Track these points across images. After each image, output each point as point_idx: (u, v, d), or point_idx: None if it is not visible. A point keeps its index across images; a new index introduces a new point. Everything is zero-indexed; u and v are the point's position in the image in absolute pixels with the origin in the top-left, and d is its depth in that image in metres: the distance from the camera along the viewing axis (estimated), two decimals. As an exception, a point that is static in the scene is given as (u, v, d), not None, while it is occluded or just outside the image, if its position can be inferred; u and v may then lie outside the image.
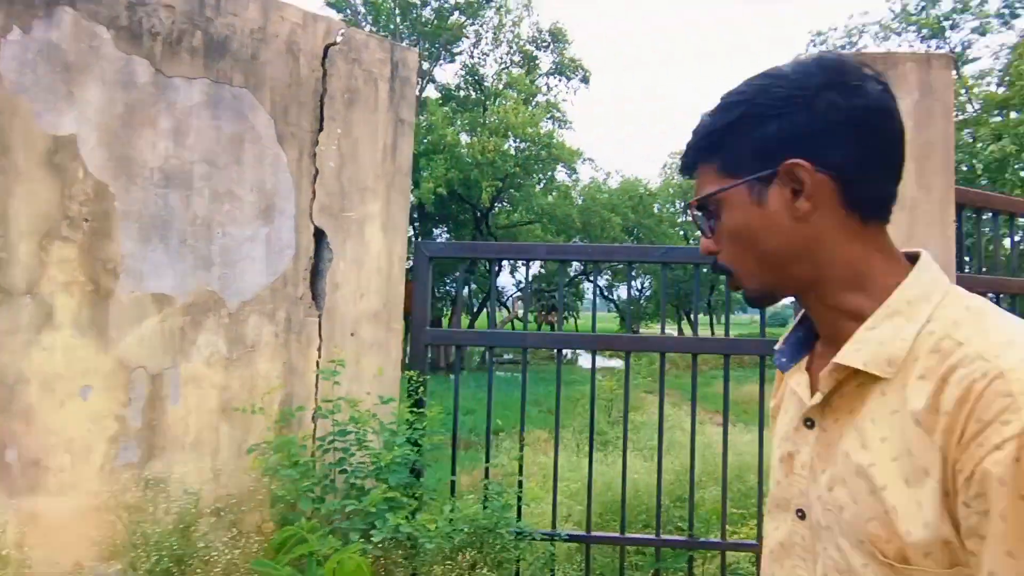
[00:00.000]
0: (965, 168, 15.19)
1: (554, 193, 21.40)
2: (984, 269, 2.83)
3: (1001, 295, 2.69)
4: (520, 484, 2.55)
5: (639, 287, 40.86)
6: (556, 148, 19.43)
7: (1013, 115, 14.93)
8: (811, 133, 0.61)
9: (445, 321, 24.39)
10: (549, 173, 20.67)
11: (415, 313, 2.46)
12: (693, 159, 0.69)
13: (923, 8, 18.79)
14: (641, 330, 51.99)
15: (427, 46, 24.10)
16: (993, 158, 13.88)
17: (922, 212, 2.29)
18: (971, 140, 15.05)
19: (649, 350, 2.47)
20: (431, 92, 25.31)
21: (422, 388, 2.39)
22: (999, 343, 0.54)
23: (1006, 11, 17.84)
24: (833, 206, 0.64)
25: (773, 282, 0.67)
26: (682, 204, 37.12)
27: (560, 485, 4.97)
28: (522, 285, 33.24)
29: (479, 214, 22.34)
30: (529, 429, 9.85)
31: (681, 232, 33.91)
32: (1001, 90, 16.13)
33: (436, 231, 25.75)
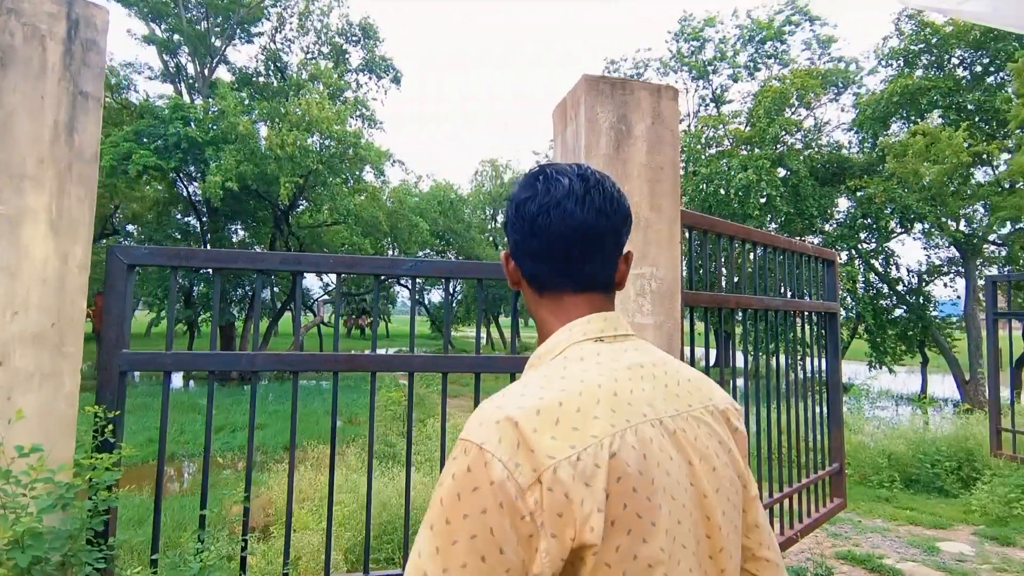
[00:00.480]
0: (722, 192, 17.80)
1: (363, 195, 20.62)
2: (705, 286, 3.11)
3: (721, 309, 3.00)
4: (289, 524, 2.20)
5: (452, 291, 41.54)
6: (364, 148, 18.73)
7: (756, 151, 17.85)
8: (513, 233, 0.86)
9: (240, 329, 22.15)
10: (357, 173, 19.85)
11: (106, 333, 1.99)
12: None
13: (693, 53, 21.76)
14: (453, 334, 52.83)
15: (219, 21, 21.76)
16: (741, 184, 16.44)
17: (654, 232, 2.44)
18: (727, 169, 17.69)
19: (396, 369, 2.29)
20: (223, 74, 22.91)
21: (110, 427, 1.93)
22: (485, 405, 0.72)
23: (751, 64, 21.40)
24: (526, 282, 0.87)
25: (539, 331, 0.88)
26: (491, 211, 38.60)
27: (337, 509, 4.64)
28: (330, 288, 31.63)
29: (279, 212, 20.73)
30: (313, 445, 9.25)
31: (490, 238, 35.05)
32: (747, 129, 19.22)
33: (231, 228, 23.33)
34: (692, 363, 2.92)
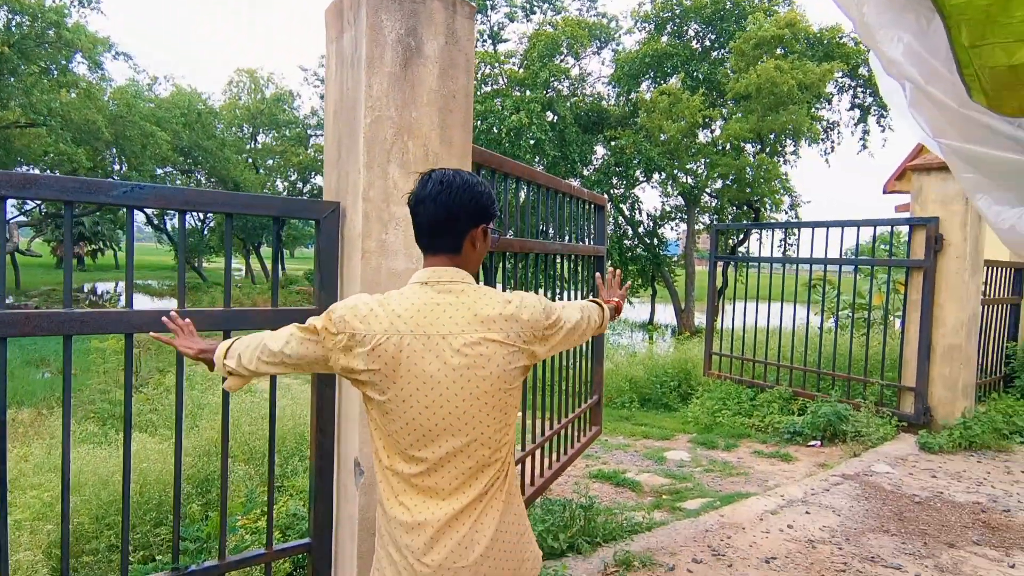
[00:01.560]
0: (495, 131, 18.17)
1: (73, 92, 16.48)
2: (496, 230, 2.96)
3: (505, 252, 2.88)
4: None
5: (202, 218, 36.33)
6: (71, 31, 14.81)
7: (528, 93, 18.46)
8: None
9: None
10: (63, 63, 15.72)
11: None
12: None
13: (472, -18, 21.35)
14: (205, 265, 46.81)
15: None
16: (514, 125, 16.95)
17: (444, 167, 2.16)
18: (500, 108, 18.04)
19: (102, 332, 1.71)
20: None
21: None
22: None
23: (528, 5, 21.82)
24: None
25: None
26: (249, 128, 34.27)
27: (37, 494, 3.65)
28: (29, 208, 25.26)
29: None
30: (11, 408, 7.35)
31: (248, 159, 31.33)
32: (521, 71, 19.74)
33: None
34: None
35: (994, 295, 6.14)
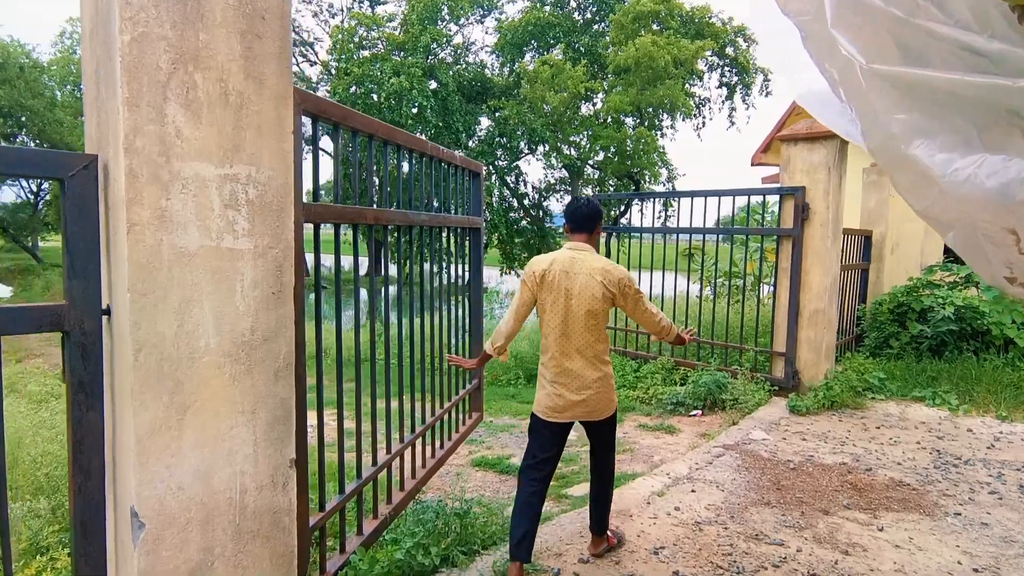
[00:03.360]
0: (374, 97, 17.11)
1: None
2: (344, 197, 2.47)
3: (358, 224, 2.40)
4: None
5: (34, 190, 31.43)
6: None
7: (409, 58, 17.53)
8: (565, 215, 2.73)
9: None
10: None
11: None
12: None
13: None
14: (42, 244, 40.72)
15: None
16: (393, 90, 16.02)
17: (251, 114, 1.64)
18: (379, 73, 16.97)
19: None
20: None
21: None
22: None
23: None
24: (568, 229, 2.71)
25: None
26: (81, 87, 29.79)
27: None
28: None
29: None
30: None
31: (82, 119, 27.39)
32: (401, 34, 18.70)
33: None
34: (338, 282, 2.51)
35: (848, 261, 6.52)
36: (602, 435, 2.65)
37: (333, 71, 18.43)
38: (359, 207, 2.35)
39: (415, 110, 16.34)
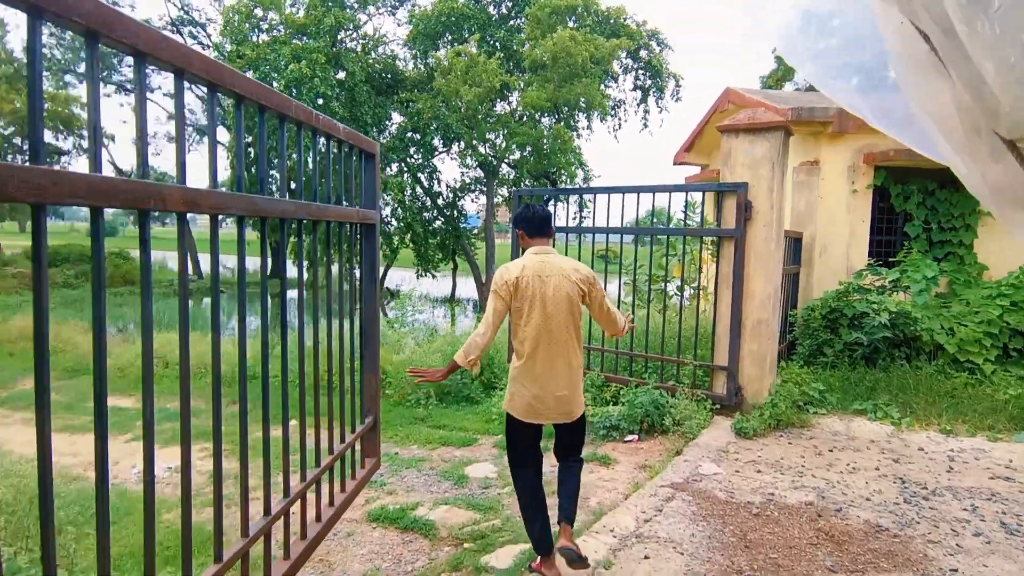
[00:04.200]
0: (272, 83, 15.54)
1: None
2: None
3: (140, 210, 1.45)
4: None
5: None
6: None
7: (311, 43, 16.10)
8: (519, 221, 2.79)
9: None
10: None
11: None
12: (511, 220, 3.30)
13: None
14: None
15: None
16: (293, 77, 14.59)
17: None
18: (277, 57, 15.45)
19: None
20: None
21: None
22: None
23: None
24: (523, 235, 2.79)
25: (522, 247, 2.86)
26: None
27: None
28: None
29: None
30: None
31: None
32: (301, 15, 17.19)
33: None
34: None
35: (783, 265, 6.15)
36: (575, 433, 2.76)
37: (225, 55, 16.64)
38: (147, 183, 1.40)
39: (320, 101, 14.95)
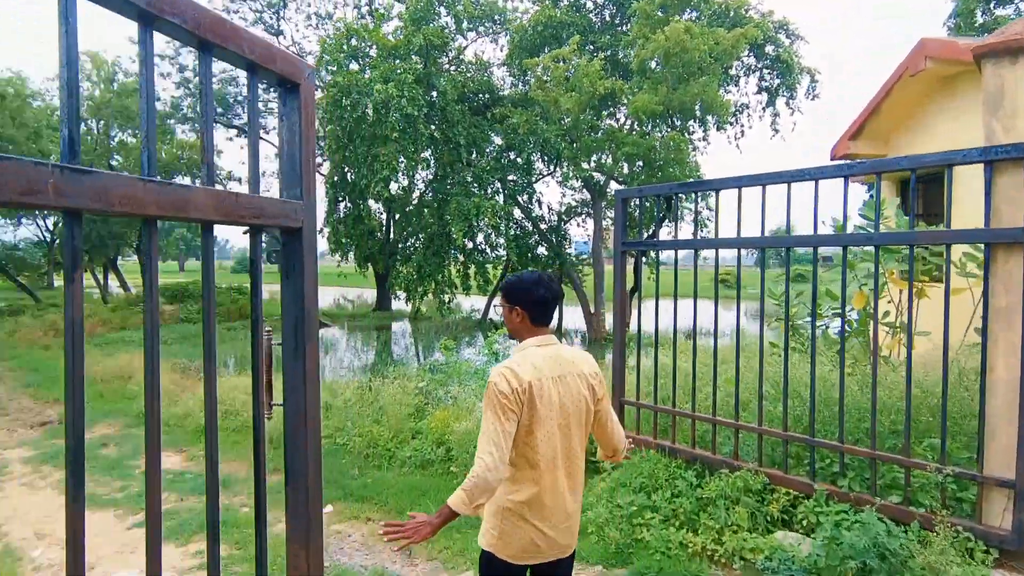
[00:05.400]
0: (363, 109, 14.97)
1: None
2: None
3: None
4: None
5: (51, 228, 30.08)
6: None
7: (400, 63, 15.42)
8: (521, 300, 2.05)
9: None
10: None
11: None
12: (499, 288, 2.36)
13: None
14: (57, 282, 39.67)
15: None
16: (380, 99, 13.84)
17: None
18: (368, 79, 14.89)
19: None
20: None
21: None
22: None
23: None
24: (525, 319, 2.06)
25: (511, 333, 2.12)
26: (98, 122, 28.30)
27: None
28: None
29: None
30: None
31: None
32: (393, 38, 16.67)
33: None
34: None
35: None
36: (567, 568, 2.16)
37: (324, 85, 16.44)
38: None
39: (407, 122, 14.03)
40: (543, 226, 19.13)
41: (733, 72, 17.36)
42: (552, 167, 18.31)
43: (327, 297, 35.19)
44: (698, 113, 15.85)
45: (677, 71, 13.83)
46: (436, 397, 6.69)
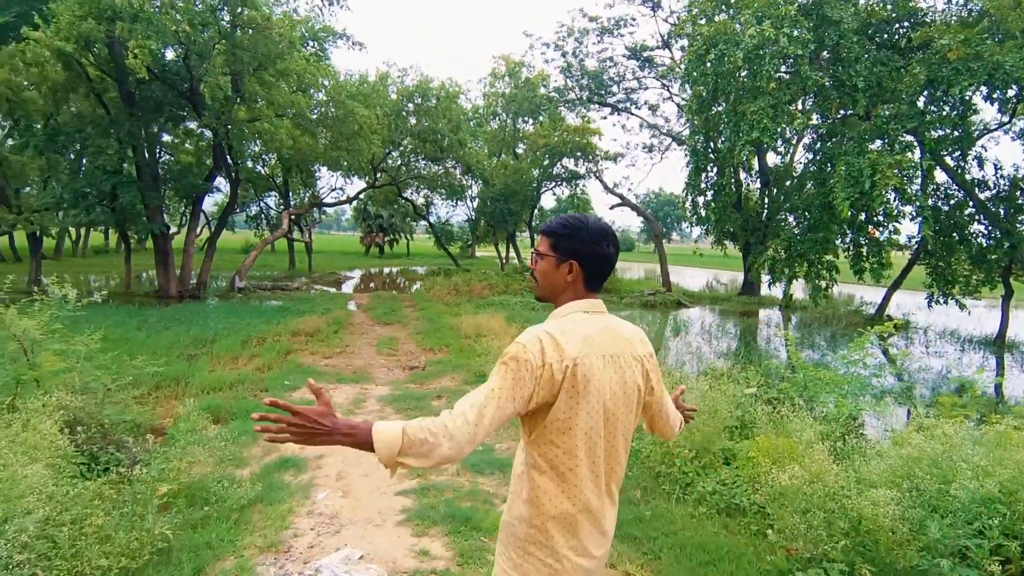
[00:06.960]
0: (731, 62, 13.08)
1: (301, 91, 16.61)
2: None
3: None
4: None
5: (471, 209, 37.15)
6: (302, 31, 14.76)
7: None
8: (580, 253, 1.51)
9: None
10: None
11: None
12: (544, 229, 1.57)
13: None
14: (479, 253, 49.09)
15: None
16: (752, 45, 11.72)
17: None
18: (737, 26, 12.89)
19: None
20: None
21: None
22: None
23: None
24: (578, 279, 1.53)
25: (543, 294, 1.58)
26: (507, 115, 33.31)
27: None
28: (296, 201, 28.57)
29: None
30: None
31: (481, 145, 30.59)
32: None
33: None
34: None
35: None
36: None
37: (686, 45, 15.07)
38: None
39: (783, 68, 11.55)
40: (983, 195, 13.83)
41: None
42: (1006, 112, 12.93)
43: (698, 278, 33.94)
44: None
45: None
46: (771, 412, 4.91)
